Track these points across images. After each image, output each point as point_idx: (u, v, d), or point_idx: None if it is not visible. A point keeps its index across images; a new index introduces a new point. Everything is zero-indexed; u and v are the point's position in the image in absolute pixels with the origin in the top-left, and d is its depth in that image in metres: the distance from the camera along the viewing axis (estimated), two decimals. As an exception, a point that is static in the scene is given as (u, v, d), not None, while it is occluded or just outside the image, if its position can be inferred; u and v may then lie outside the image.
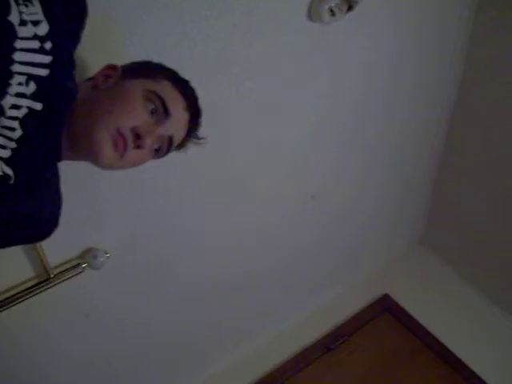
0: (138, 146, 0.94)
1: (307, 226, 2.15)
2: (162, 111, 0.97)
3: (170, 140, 1.01)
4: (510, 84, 2.04)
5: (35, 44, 0.85)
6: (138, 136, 0.93)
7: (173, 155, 1.07)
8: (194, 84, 1.07)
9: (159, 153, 1.02)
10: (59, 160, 0.99)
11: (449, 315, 2.47)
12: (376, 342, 2.44)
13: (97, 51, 1.13)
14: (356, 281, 2.59)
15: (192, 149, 1.12)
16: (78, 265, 1.50)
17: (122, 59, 1.07)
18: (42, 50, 0.86)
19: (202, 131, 1.11)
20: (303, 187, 2.02)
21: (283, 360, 2.33)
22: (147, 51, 1.24)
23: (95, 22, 1.01)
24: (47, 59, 0.87)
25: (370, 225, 2.46)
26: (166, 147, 1.01)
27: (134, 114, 0.93)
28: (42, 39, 0.86)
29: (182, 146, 1.08)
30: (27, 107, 0.87)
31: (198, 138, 1.11)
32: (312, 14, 1.52)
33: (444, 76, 2.14)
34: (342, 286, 2.53)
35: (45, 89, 0.88)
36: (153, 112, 0.96)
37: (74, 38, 0.96)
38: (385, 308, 2.55)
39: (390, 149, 2.21)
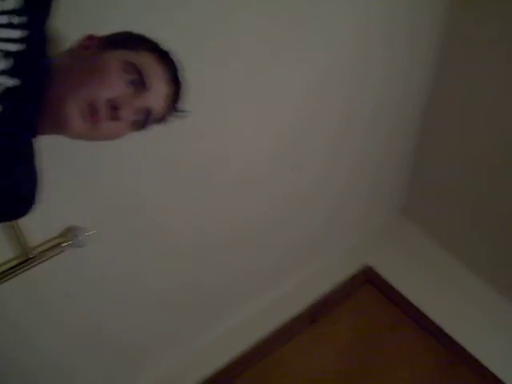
0: (114, 118, 0.92)
1: (284, 196, 2.14)
2: (141, 83, 0.94)
3: (149, 112, 0.99)
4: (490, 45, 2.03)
5: (4, 19, 0.83)
6: (114, 108, 0.91)
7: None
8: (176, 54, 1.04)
9: (137, 125, 1.00)
10: (35, 136, 0.97)
11: (431, 286, 2.49)
12: (358, 313, 2.47)
13: (76, 24, 1.09)
14: (337, 253, 2.60)
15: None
16: (59, 244, 1.48)
17: (101, 31, 1.03)
18: (11, 25, 0.84)
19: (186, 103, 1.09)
20: (282, 159, 2.00)
21: (266, 333, 2.34)
22: (129, 25, 1.20)
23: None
24: (19, 34, 0.85)
25: (347, 195, 2.45)
26: (144, 120, 0.99)
27: (111, 85, 0.91)
28: (10, 13, 0.83)
29: (162, 118, 1.06)
30: (1, 84, 0.84)
31: (179, 111, 1.09)
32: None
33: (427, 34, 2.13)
34: (322, 259, 2.54)
35: (19, 65, 0.85)
36: (131, 84, 0.94)
37: (45, 10, 0.92)
38: (366, 279, 2.57)
39: (367, 115, 2.18)
